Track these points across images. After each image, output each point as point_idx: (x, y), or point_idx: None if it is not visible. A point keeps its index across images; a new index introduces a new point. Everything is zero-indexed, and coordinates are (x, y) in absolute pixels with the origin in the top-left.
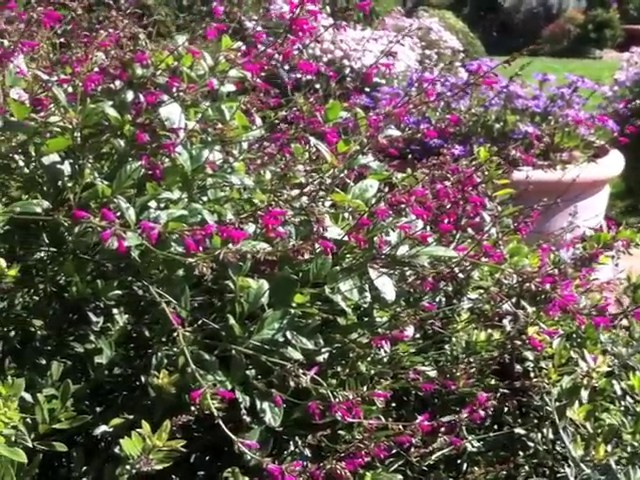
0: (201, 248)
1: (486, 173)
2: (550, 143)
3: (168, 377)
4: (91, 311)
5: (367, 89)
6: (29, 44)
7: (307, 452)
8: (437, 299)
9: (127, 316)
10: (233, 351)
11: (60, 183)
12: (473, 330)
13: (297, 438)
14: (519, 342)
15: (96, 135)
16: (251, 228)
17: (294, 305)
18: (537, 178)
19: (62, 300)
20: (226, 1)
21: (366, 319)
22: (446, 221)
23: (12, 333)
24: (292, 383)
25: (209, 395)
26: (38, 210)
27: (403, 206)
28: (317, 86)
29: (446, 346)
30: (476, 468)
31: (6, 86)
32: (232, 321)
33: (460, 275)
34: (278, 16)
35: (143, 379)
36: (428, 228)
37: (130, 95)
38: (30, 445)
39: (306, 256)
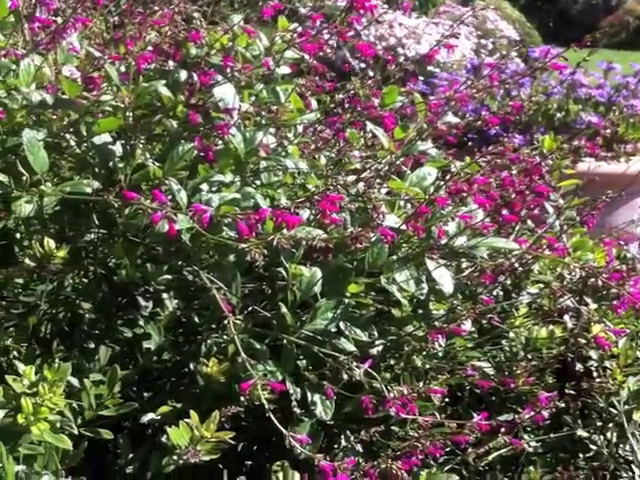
0: (254, 233)
1: (551, 163)
2: (614, 134)
3: (217, 366)
4: (140, 295)
5: (421, 77)
6: (82, 20)
7: (359, 448)
8: (495, 293)
9: (176, 301)
10: (284, 341)
11: (111, 164)
12: (533, 326)
13: (348, 433)
14: (583, 340)
15: (148, 116)
16: (305, 214)
17: (348, 295)
18: (600, 170)
19: (111, 283)
20: None
21: (421, 311)
22: (510, 211)
23: (61, 315)
24: (345, 376)
25: (260, 386)
26: (88, 190)
27: (464, 195)
28: (370, 73)
29: (503, 341)
30: (531, 468)
31: (58, 63)
32: (284, 310)
33: (519, 268)
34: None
35: (192, 366)
36: (488, 219)
37: (183, 75)
38: (75, 432)
39: (363, 244)
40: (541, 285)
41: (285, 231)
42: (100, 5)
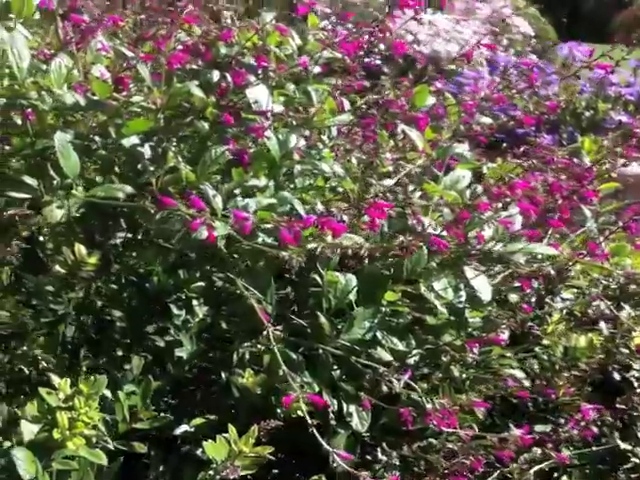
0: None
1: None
2: None
3: (254, 377)
4: (172, 303)
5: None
6: (114, 19)
7: (396, 461)
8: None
9: (206, 308)
10: (319, 350)
11: (140, 166)
12: (570, 334)
13: (384, 445)
14: (626, 350)
15: (178, 117)
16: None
17: (384, 303)
18: (634, 171)
19: (142, 291)
20: None
21: (457, 319)
22: (558, 217)
23: (89, 322)
24: (385, 388)
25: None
26: (120, 195)
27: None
28: (385, 70)
29: (536, 348)
30: (565, 478)
31: (87, 63)
32: (323, 319)
33: (553, 273)
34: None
35: (223, 375)
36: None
37: (216, 75)
38: (111, 447)
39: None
40: (574, 290)
41: (329, 238)
42: (133, 2)
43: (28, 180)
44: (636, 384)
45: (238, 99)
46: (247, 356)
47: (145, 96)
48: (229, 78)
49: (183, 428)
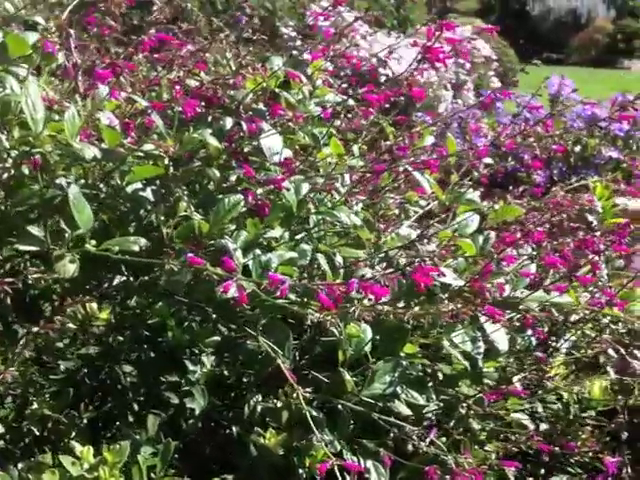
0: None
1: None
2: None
3: (275, 437)
4: (187, 359)
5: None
6: (129, 67)
7: None
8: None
9: (213, 358)
10: (339, 406)
11: (152, 215)
12: (582, 380)
13: None
14: None
15: (186, 164)
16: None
17: (402, 355)
18: (634, 207)
19: (155, 345)
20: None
21: (472, 369)
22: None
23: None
24: (410, 447)
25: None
26: (135, 249)
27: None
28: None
29: (546, 397)
30: None
31: (93, 110)
32: (346, 376)
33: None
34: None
35: (235, 430)
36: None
37: (229, 123)
38: None
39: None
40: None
41: (365, 301)
42: (146, 52)
43: (34, 231)
44: None
45: (244, 145)
46: (257, 411)
47: (156, 144)
48: (244, 126)
49: None
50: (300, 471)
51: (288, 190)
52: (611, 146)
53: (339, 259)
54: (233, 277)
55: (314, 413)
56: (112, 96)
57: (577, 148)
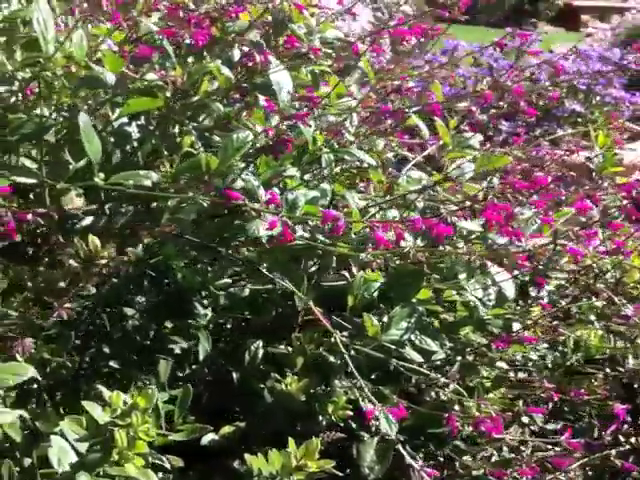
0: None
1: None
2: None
3: (297, 383)
4: (197, 302)
5: None
6: None
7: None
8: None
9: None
10: (351, 352)
11: (129, 148)
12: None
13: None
14: None
15: (188, 97)
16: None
17: (414, 301)
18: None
19: (160, 288)
20: None
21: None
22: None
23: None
24: (433, 394)
25: (381, 412)
26: (147, 183)
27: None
28: None
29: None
30: None
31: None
32: (367, 320)
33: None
34: None
35: (234, 376)
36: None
37: (237, 54)
38: (167, 466)
39: None
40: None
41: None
42: None
43: (27, 163)
44: None
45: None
46: (259, 357)
47: (160, 74)
48: (258, 57)
49: (210, 437)
50: (320, 417)
51: (310, 126)
52: (573, 99)
53: (356, 200)
54: (278, 213)
55: (332, 359)
56: (114, 20)
57: (541, 102)
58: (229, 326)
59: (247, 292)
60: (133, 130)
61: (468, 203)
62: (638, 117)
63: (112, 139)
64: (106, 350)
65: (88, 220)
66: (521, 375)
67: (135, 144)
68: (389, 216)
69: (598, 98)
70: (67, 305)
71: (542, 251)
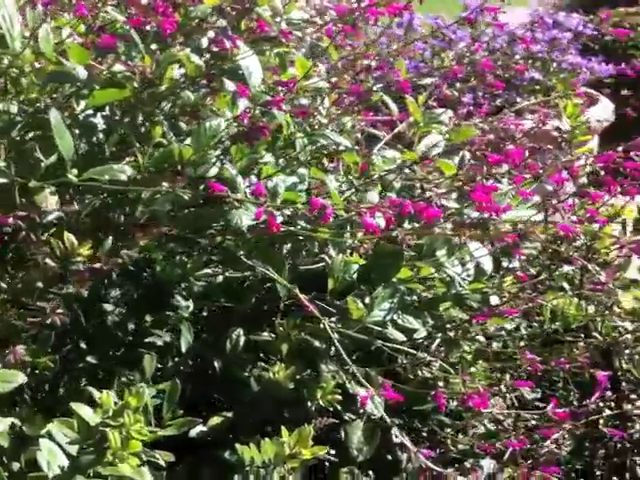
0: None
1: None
2: (551, 89)
3: (284, 370)
4: (178, 293)
5: None
6: None
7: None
8: None
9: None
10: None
11: (95, 139)
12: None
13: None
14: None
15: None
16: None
17: (395, 281)
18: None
19: (140, 281)
20: None
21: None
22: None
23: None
24: (420, 374)
25: (373, 397)
26: (123, 178)
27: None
28: None
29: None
30: None
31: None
32: (352, 304)
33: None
34: None
35: (216, 365)
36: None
37: (205, 41)
38: (162, 463)
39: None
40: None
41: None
42: None
43: None
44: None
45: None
46: (240, 344)
47: (126, 65)
48: (227, 44)
49: (198, 429)
50: (309, 404)
51: (285, 112)
52: (532, 67)
53: (334, 183)
54: (262, 203)
55: (317, 344)
56: (79, 11)
57: (499, 72)
58: (205, 314)
59: (221, 278)
60: (99, 121)
61: (456, 183)
62: (590, 82)
63: (78, 131)
64: (87, 348)
65: (56, 214)
66: (495, 345)
67: (101, 135)
68: (368, 198)
69: (555, 65)
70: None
71: (533, 229)
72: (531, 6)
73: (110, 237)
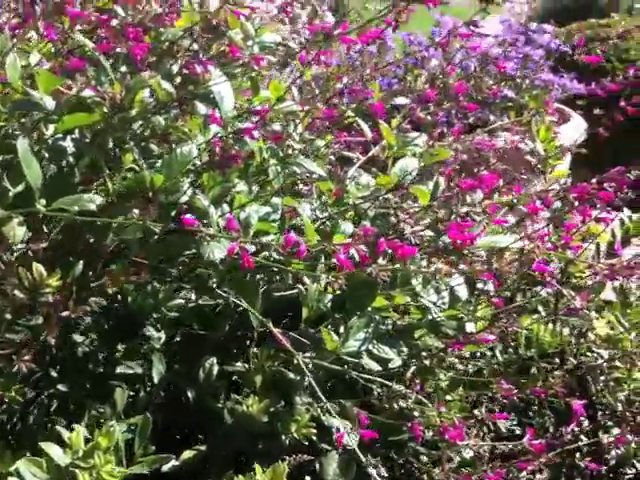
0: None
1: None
2: (524, 107)
3: (258, 403)
4: (151, 325)
5: None
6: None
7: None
8: None
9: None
10: (309, 366)
11: (64, 163)
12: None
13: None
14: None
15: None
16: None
17: (370, 310)
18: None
19: (109, 313)
20: None
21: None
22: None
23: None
24: (396, 405)
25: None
26: (92, 207)
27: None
28: None
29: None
30: None
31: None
32: (326, 334)
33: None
34: None
35: (190, 395)
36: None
37: (175, 67)
38: None
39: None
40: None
41: (380, 260)
42: None
43: None
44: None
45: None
46: (213, 375)
47: (97, 91)
48: (198, 69)
49: (171, 464)
50: (283, 437)
51: (258, 140)
52: (504, 86)
53: (308, 212)
54: (236, 238)
55: (291, 376)
56: (48, 36)
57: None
58: (179, 339)
59: (193, 303)
60: (68, 144)
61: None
62: (562, 100)
63: (47, 154)
64: (57, 380)
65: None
66: (471, 370)
67: (71, 159)
68: (343, 228)
69: (527, 82)
70: (26, 357)
71: (508, 269)
72: (502, 16)
73: (81, 262)
